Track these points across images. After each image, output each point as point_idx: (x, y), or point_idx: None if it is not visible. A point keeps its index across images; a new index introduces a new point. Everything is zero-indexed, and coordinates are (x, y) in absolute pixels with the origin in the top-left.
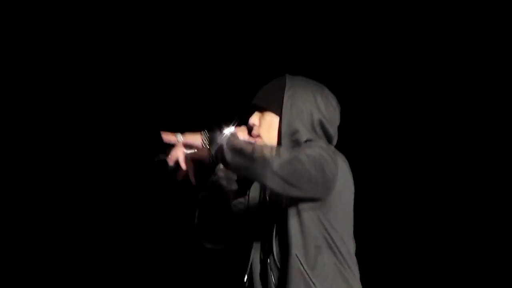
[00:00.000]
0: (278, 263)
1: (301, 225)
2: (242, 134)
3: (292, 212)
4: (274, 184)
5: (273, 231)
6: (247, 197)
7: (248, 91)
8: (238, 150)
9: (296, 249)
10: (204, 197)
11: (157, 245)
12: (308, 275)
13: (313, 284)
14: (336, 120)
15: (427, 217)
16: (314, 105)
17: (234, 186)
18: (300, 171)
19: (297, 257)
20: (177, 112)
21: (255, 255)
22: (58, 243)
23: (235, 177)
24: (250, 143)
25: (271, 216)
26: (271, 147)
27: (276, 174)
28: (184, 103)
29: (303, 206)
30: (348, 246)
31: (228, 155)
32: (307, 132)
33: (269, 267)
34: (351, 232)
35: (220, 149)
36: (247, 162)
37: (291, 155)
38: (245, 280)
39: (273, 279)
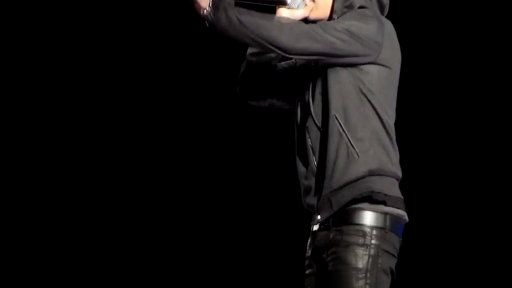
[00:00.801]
0: (317, 124)
1: (340, 87)
2: None
3: (332, 76)
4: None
5: (311, 92)
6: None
7: None
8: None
9: (335, 110)
10: (252, 54)
11: (157, 245)
12: (347, 136)
13: (352, 146)
14: None
15: (426, 217)
16: None
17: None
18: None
19: (336, 118)
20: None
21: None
22: (58, 243)
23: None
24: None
25: (311, 77)
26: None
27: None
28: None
29: (342, 71)
30: (389, 115)
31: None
32: None
33: (306, 130)
34: (394, 103)
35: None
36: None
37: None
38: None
39: (310, 141)
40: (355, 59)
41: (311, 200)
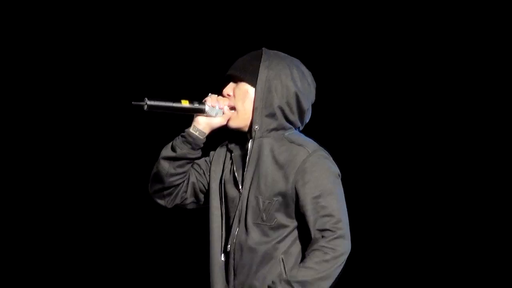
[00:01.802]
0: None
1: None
2: (214, 100)
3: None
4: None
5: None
6: (208, 165)
7: (224, 63)
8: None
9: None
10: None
11: (156, 245)
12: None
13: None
14: (311, 96)
15: (426, 217)
16: (289, 78)
17: (198, 154)
18: None
19: (283, 261)
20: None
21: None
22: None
23: (201, 144)
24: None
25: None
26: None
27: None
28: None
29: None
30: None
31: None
32: (281, 104)
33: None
34: None
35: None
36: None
37: None
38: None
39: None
40: None
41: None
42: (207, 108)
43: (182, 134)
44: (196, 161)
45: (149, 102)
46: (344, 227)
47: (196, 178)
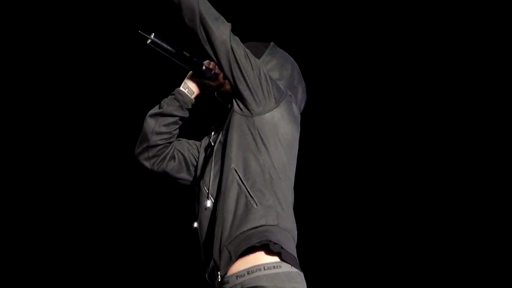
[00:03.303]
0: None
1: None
2: (213, 65)
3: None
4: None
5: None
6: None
7: None
8: None
9: (234, 163)
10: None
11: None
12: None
13: (251, 196)
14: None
15: (426, 217)
16: (277, 70)
17: (185, 114)
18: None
19: (236, 171)
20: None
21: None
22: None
23: (189, 104)
24: None
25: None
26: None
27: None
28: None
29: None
30: (272, 177)
31: None
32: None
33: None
34: (284, 171)
35: None
36: None
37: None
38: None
39: (206, 204)
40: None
41: (212, 262)
42: (204, 67)
43: (172, 92)
44: (190, 140)
45: (154, 38)
46: None
47: (188, 150)
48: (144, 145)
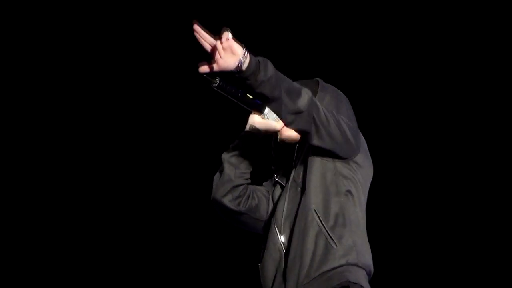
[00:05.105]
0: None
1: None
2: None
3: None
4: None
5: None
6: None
7: None
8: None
9: (314, 204)
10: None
11: (156, 245)
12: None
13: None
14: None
15: (426, 217)
16: (333, 103)
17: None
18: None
19: (315, 211)
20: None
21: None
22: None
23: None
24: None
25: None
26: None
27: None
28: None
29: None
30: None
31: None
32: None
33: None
34: (362, 208)
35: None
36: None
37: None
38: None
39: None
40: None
41: None
42: (266, 110)
43: (238, 135)
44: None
45: (220, 83)
46: None
47: (260, 190)
48: (228, 187)
